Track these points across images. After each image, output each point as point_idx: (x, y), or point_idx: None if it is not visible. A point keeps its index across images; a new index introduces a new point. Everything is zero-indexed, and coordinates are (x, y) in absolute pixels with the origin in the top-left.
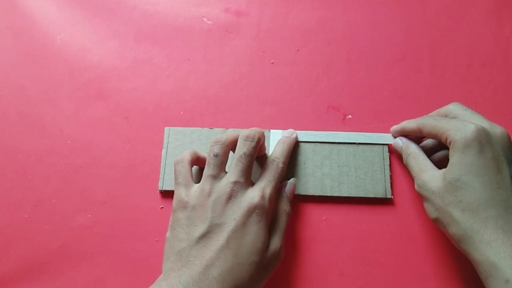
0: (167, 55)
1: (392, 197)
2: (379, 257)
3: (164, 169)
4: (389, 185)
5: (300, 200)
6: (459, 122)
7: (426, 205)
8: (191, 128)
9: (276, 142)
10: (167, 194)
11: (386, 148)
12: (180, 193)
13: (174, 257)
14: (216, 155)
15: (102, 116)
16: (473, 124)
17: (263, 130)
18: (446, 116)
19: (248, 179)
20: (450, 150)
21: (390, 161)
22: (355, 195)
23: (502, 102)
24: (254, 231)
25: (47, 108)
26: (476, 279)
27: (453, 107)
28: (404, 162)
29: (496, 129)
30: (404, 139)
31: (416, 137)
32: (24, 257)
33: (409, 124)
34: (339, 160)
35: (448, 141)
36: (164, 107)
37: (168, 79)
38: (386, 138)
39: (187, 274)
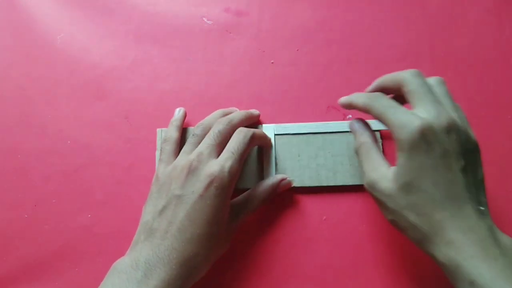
0: (167, 55)
1: None
2: (379, 256)
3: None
4: None
5: (297, 192)
6: (405, 115)
7: (379, 207)
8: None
9: (268, 136)
10: None
11: (378, 134)
12: (159, 169)
13: (140, 228)
14: (194, 135)
15: (102, 116)
16: (418, 120)
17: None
18: (400, 86)
19: (213, 153)
20: (397, 149)
21: (382, 147)
22: (350, 184)
23: (502, 102)
24: (213, 204)
25: (47, 108)
26: None
27: (410, 79)
28: (354, 149)
29: (442, 119)
30: (358, 125)
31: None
32: (24, 257)
33: (357, 100)
34: (332, 150)
35: (394, 138)
36: (164, 107)
37: (168, 79)
38: (377, 124)
39: (148, 247)
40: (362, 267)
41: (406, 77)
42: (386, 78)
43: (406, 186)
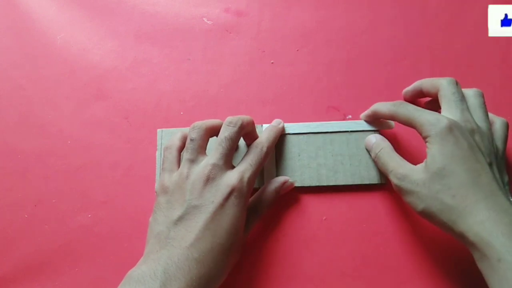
0: (167, 55)
1: (386, 182)
2: (379, 255)
3: (159, 171)
4: None
5: (298, 191)
6: (432, 115)
7: (409, 198)
8: (183, 128)
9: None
10: None
11: (378, 134)
12: (163, 178)
13: (153, 239)
14: (192, 140)
15: (102, 116)
16: (445, 118)
17: (255, 124)
18: (437, 90)
19: (227, 163)
20: (427, 143)
21: None
22: (351, 183)
23: (502, 102)
24: (233, 214)
25: (47, 108)
26: (478, 273)
27: (445, 85)
28: (373, 157)
29: (467, 124)
30: (379, 136)
31: (413, 98)
32: (24, 257)
33: (382, 108)
34: (333, 149)
35: (423, 135)
36: (164, 107)
37: (168, 79)
38: (377, 124)
39: (166, 256)
40: (362, 266)
41: (443, 83)
42: (426, 81)
43: (440, 171)
